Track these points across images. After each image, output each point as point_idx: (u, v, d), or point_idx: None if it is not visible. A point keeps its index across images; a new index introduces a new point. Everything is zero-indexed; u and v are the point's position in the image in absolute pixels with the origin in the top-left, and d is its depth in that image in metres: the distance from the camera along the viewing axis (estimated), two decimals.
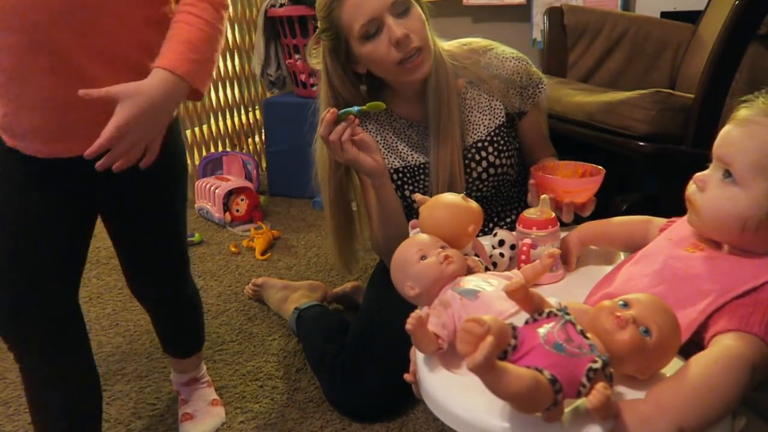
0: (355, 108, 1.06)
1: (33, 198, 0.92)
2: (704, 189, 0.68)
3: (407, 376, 0.81)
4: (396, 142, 1.24)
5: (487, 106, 1.21)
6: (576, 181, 1.01)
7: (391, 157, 1.24)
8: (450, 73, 1.17)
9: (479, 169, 1.21)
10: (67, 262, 0.98)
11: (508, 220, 1.28)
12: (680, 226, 0.76)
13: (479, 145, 1.21)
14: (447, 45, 1.21)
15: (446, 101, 1.16)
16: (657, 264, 0.71)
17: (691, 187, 0.70)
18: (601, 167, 1.03)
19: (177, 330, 1.30)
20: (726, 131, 0.68)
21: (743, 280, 0.63)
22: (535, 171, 1.05)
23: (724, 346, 0.59)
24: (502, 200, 1.28)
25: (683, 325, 0.63)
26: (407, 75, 1.12)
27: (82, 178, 0.91)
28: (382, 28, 1.07)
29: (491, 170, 1.21)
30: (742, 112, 0.67)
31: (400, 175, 1.24)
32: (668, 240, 0.74)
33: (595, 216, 1.15)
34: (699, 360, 0.59)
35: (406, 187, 1.24)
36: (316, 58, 1.21)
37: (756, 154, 0.64)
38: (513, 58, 1.20)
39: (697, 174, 0.69)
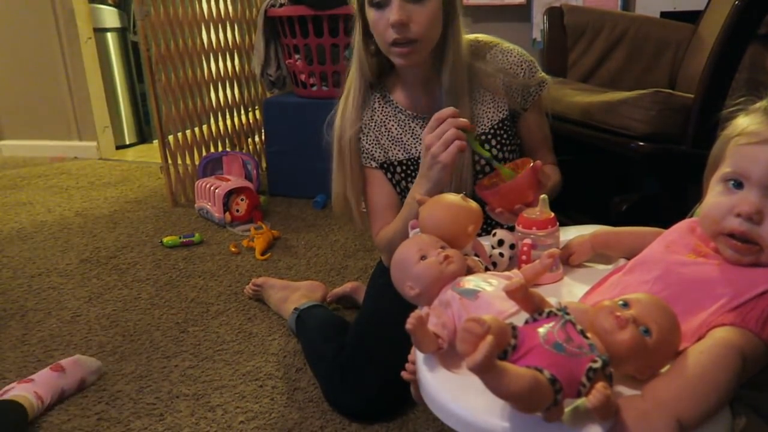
0: (491, 157, 1.05)
1: None
2: (762, 221, 0.64)
3: (405, 374, 0.81)
4: (400, 134, 1.25)
5: (491, 99, 1.22)
6: (507, 186, 0.99)
7: (395, 149, 1.25)
8: (465, 69, 1.18)
9: (482, 162, 1.22)
10: None
11: None
12: (674, 232, 0.75)
13: (483, 137, 1.22)
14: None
15: (462, 99, 1.17)
16: (657, 270, 0.70)
17: (743, 225, 0.64)
18: (527, 158, 1.03)
19: None
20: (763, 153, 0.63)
21: (756, 284, 0.63)
22: (480, 191, 1.03)
23: (713, 338, 0.60)
24: None
25: (693, 328, 0.63)
26: (393, 57, 1.14)
27: None
28: (390, 4, 1.08)
29: (486, 160, 1.21)
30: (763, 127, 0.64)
31: (404, 167, 1.25)
32: (665, 247, 0.73)
33: (594, 216, 1.15)
34: (690, 352, 0.59)
35: (409, 179, 1.25)
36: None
37: None
38: (517, 53, 1.22)
39: (741, 210, 0.64)
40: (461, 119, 1.01)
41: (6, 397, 1.30)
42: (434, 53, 1.16)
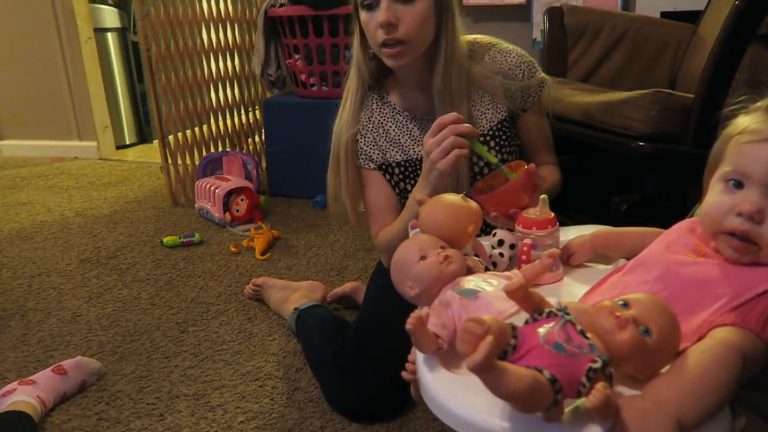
0: (497, 162, 1.04)
1: None
2: (763, 220, 0.63)
3: (405, 374, 0.81)
4: (398, 135, 1.25)
5: (489, 100, 1.22)
6: (502, 190, 0.98)
7: (392, 150, 1.25)
8: (463, 71, 1.17)
9: (481, 164, 1.21)
10: None
11: None
12: (674, 232, 0.75)
13: (482, 139, 1.21)
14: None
15: (458, 101, 1.16)
16: (657, 270, 0.70)
17: (744, 224, 0.64)
18: (521, 161, 1.02)
19: None
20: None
21: (756, 284, 0.63)
22: (475, 194, 1.02)
23: (714, 338, 0.60)
24: None
25: (693, 328, 0.62)
26: (384, 58, 1.14)
27: None
28: (379, 5, 1.08)
29: (493, 165, 1.21)
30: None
31: (402, 168, 1.25)
32: (664, 247, 0.73)
33: (594, 216, 1.15)
34: (690, 352, 0.59)
35: (408, 181, 1.24)
36: None
37: None
38: (516, 54, 1.22)
39: (742, 209, 0.64)
40: (463, 125, 1.00)
41: (9, 400, 1.29)
42: (428, 54, 1.15)
